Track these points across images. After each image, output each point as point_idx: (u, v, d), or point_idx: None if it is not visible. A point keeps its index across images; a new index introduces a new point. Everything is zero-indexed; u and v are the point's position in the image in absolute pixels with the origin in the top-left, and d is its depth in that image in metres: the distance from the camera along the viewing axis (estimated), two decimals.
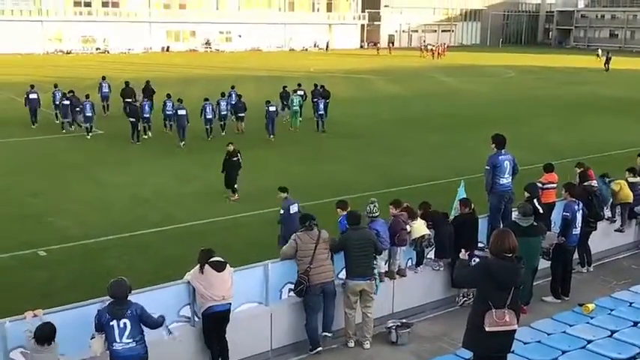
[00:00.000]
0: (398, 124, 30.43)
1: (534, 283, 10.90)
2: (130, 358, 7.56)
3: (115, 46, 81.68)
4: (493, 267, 6.41)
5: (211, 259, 8.73)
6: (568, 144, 25.38)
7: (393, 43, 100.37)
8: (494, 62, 69.01)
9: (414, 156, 23.92)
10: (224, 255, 9.07)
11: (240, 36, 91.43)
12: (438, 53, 78.68)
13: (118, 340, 7.49)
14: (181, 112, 25.32)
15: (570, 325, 8.46)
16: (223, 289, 8.70)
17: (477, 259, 8.70)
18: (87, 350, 7.83)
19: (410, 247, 10.91)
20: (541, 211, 11.29)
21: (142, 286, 8.50)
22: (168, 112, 27.21)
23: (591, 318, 8.72)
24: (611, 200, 13.69)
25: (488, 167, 11.76)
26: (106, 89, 32.13)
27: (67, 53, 77.45)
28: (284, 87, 31.62)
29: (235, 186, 17.80)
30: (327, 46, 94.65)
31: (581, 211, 11.63)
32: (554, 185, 13.48)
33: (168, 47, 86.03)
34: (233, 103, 28.49)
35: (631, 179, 14.04)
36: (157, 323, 7.81)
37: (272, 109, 26.73)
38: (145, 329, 7.69)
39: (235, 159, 17.84)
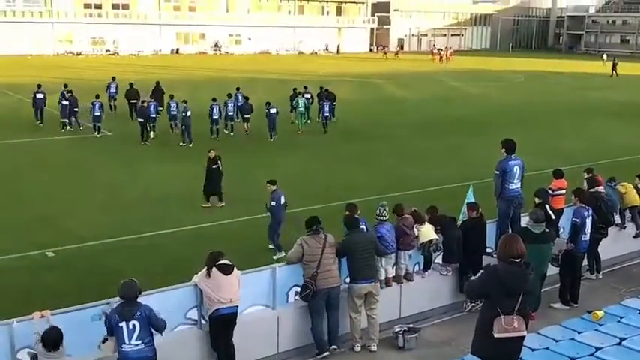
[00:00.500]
0: (407, 128, 30.39)
1: (543, 290, 10.85)
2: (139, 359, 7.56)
3: (124, 48, 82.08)
4: (501, 272, 6.38)
5: (219, 262, 8.73)
6: (577, 149, 25.26)
7: (402, 47, 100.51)
8: (504, 67, 68.91)
9: (423, 159, 23.88)
10: (235, 257, 9.07)
11: (249, 39, 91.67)
12: (447, 57, 78.66)
13: (127, 341, 7.49)
14: (187, 113, 25.66)
15: (579, 332, 8.40)
16: (231, 291, 8.69)
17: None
18: (94, 351, 7.85)
19: (418, 252, 10.89)
20: (553, 217, 11.24)
21: (150, 288, 8.50)
22: (172, 113, 27.70)
23: (600, 325, 8.65)
24: (619, 206, 13.61)
25: (497, 172, 11.73)
26: (113, 89, 33.19)
27: (77, 55, 77.87)
28: (294, 89, 31.78)
29: (220, 192, 17.36)
30: (338, 50, 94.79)
31: (590, 217, 11.57)
32: (564, 192, 13.42)
33: (177, 50, 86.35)
34: (239, 104, 28.91)
35: None
36: (163, 326, 7.80)
37: (272, 110, 27.10)
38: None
39: (215, 166, 17.33)
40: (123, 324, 7.47)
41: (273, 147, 25.86)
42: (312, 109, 30.97)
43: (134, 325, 7.49)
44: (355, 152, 24.94)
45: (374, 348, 9.74)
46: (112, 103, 32.86)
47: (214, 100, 27.20)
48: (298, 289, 9.59)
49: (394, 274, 10.63)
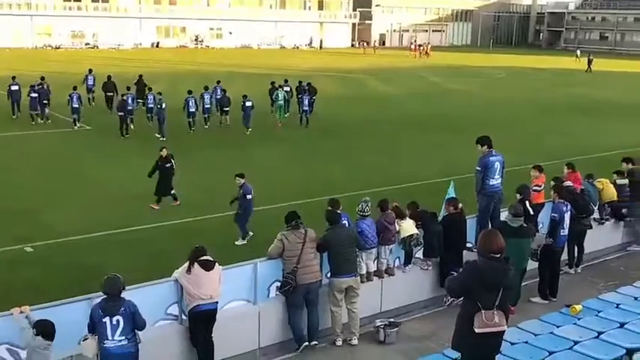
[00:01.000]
0: (388, 124, 30.45)
1: (522, 284, 10.93)
2: (122, 356, 7.51)
3: (104, 41, 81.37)
4: (481, 267, 6.41)
5: (201, 258, 8.70)
6: (558, 145, 25.43)
7: (383, 43, 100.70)
8: (485, 63, 69.28)
9: (404, 156, 23.94)
10: (216, 252, 9.04)
11: (230, 33, 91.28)
12: (426, 52, 78.74)
13: (110, 337, 7.43)
14: (162, 105, 25.94)
15: (557, 326, 8.49)
16: (211, 288, 8.66)
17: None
18: (75, 347, 7.79)
19: (399, 247, 10.94)
20: (531, 212, 11.34)
21: (131, 284, 8.44)
22: (149, 106, 28.06)
23: (578, 319, 8.75)
24: (598, 201, 13.76)
25: (479, 168, 11.81)
26: (90, 82, 33.58)
27: (57, 48, 77.07)
28: (272, 83, 31.91)
29: (173, 192, 16.83)
30: (321, 45, 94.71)
31: (569, 212, 11.69)
32: (542, 187, 13.53)
33: (158, 43, 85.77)
34: (219, 97, 29.28)
35: (619, 181, 14.13)
36: (144, 324, 7.76)
37: (248, 104, 27.40)
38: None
39: (169, 165, 16.71)
40: (106, 319, 7.41)
41: (252, 140, 25.89)
42: (292, 103, 31.16)
43: (118, 321, 7.43)
44: (335, 147, 24.96)
45: (355, 342, 9.77)
46: (89, 96, 33.04)
47: (190, 92, 27.55)
48: (279, 284, 9.58)
49: (375, 269, 10.66)
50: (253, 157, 22.56)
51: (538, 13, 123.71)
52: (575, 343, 7.89)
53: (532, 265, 11.21)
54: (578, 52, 79.25)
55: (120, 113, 26.22)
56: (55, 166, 21.19)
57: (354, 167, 21.75)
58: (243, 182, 14.18)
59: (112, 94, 31.15)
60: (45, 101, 28.54)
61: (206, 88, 28.94)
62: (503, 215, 11.26)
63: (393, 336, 9.84)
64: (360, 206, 10.43)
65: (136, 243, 14.37)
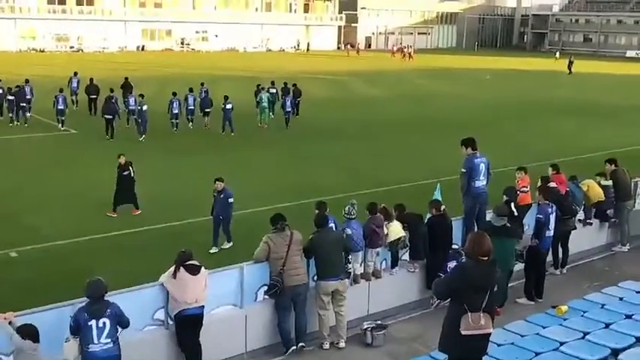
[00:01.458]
0: (374, 127, 30.52)
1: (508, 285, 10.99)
2: (107, 359, 7.47)
3: (89, 44, 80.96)
4: (468, 270, 6.43)
5: (187, 262, 8.67)
6: (544, 147, 25.56)
7: (370, 45, 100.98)
8: (471, 65, 69.59)
9: (390, 158, 23.97)
10: (201, 256, 9.01)
11: (216, 36, 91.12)
12: (410, 55, 78.97)
13: (95, 340, 7.39)
14: (144, 107, 26.19)
15: (544, 327, 8.53)
16: (197, 292, 8.63)
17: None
18: (59, 352, 7.73)
19: (385, 249, 10.94)
20: (515, 213, 11.40)
21: (117, 288, 8.38)
22: (131, 107, 28.26)
23: (564, 320, 8.80)
24: (584, 202, 13.84)
25: (464, 170, 11.88)
26: (75, 84, 33.88)
27: (41, 51, 76.56)
28: (257, 85, 32.02)
29: (135, 200, 16.38)
30: (308, 47, 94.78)
31: (554, 213, 11.76)
32: (528, 188, 13.61)
33: (143, 46, 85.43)
34: (202, 98, 29.71)
35: (604, 182, 14.22)
36: (129, 322, 7.76)
37: (228, 106, 27.49)
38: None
39: (127, 173, 16.23)
40: (92, 322, 7.37)
41: (235, 143, 25.91)
42: (278, 105, 31.31)
43: (104, 323, 7.41)
44: (321, 150, 24.96)
45: (342, 345, 9.77)
46: (74, 98, 33.27)
47: (174, 94, 28.05)
48: (267, 287, 9.56)
49: (362, 272, 10.67)
50: (236, 160, 22.54)
51: (522, 16, 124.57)
52: (562, 344, 7.93)
53: (518, 266, 11.27)
54: (557, 53, 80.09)
55: (107, 116, 26.17)
56: (39, 169, 21.01)
57: (340, 169, 21.75)
58: (223, 186, 13.89)
59: (94, 96, 31.53)
60: (23, 104, 28.76)
61: (190, 90, 29.41)
62: (489, 217, 11.31)
63: (381, 338, 9.84)
64: (347, 208, 10.45)
65: (122, 247, 14.28)
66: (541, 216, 11.59)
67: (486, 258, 6.41)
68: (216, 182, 13.91)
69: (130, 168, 16.36)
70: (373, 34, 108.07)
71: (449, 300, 6.85)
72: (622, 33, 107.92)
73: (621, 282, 10.39)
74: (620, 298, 9.55)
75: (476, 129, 22.96)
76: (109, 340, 7.45)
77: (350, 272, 10.14)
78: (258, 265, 9.58)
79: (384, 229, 10.72)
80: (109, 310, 7.44)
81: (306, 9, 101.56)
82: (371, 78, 54.73)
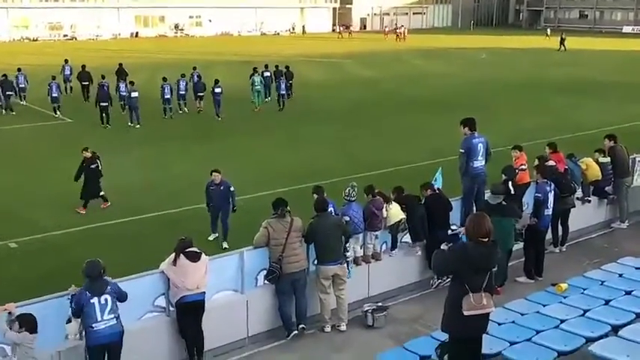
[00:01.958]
0: (372, 107, 30.45)
1: (508, 264, 11.01)
2: (113, 335, 7.61)
3: (82, 32, 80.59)
4: (469, 251, 6.43)
5: (187, 250, 8.67)
6: (538, 125, 25.48)
7: (365, 27, 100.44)
8: (467, 44, 69.32)
9: (387, 139, 23.92)
10: (201, 244, 9.01)
11: (210, 21, 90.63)
12: (403, 36, 78.45)
13: (99, 317, 7.51)
14: (134, 94, 26.30)
15: (544, 305, 8.56)
16: (197, 278, 8.64)
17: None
18: (60, 343, 7.76)
19: (385, 231, 10.94)
20: (512, 191, 11.41)
21: (118, 277, 8.38)
22: (122, 94, 28.25)
23: (564, 297, 8.83)
24: (582, 180, 13.83)
25: (462, 150, 11.85)
26: (67, 71, 34.39)
27: (34, 40, 76.21)
28: (254, 68, 31.89)
29: (102, 194, 15.86)
30: (304, 30, 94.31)
31: (552, 192, 11.75)
32: (526, 166, 13.59)
33: (137, 33, 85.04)
34: (195, 82, 29.90)
35: (601, 159, 14.20)
36: (127, 295, 7.90)
37: (217, 90, 27.65)
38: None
39: (94, 166, 15.67)
40: (95, 300, 7.50)
41: (228, 127, 25.98)
42: (273, 88, 31.48)
43: (106, 300, 7.56)
44: (318, 132, 24.91)
45: (343, 328, 9.80)
46: (66, 85, 33.66)
47: (165, 79, 28.18)
48: (266, 272, 9.56)
49: (362, 254, 10.68)
50: (231, 145, 22.55)
51: None
52: (562, 321, 7.96)
53: (517, 245, 11.28)
54: (549, 30, 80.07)
55: (102, 103, 26.15)
56: (36, 160, 20.96)
57: (337, 152, 21.71)
58: (221, 178, 13.21)
59: (87, 83, 31.84)
60: (9, 92, 29.09)
61: (182, 75, 29.53)
62: (487, 196, 11.31)
63: (382, 320, 9.87)
64: (347, 191, 10.45)
65: (121, 236, 14.27)
66: (539, 194, 11.59)
67: (486, 239, 6.41)
68: (213, 174, 13.19)
69: (98, 161, 15.86)
70: (368, 15, 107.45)
71: (449, 280, 6.86)
72: (618, 9, 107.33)
73: (620, 258, 10.42)
74: (620, 275, 9.58)
75: (472, 108, 22.94)
76: (112, 316, 7.59)
77: (348, 259, 10.14)
78: (258, 250, 9.58)
79: (384, 211, 10.71)
80: (109, 287, 7.62)
81: None
82: (368, 60, 54.47)
